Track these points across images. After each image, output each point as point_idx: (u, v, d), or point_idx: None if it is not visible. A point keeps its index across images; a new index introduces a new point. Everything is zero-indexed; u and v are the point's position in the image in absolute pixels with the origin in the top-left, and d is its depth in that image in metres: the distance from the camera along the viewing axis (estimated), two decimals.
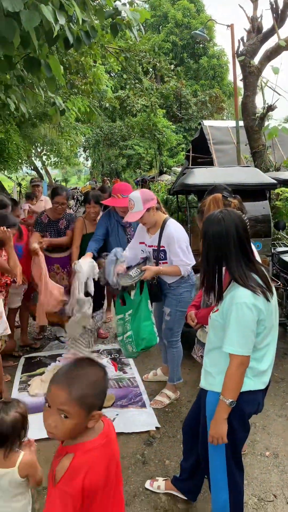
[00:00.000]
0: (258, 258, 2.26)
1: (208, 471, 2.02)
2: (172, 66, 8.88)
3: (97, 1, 3.88)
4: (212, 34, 27.22)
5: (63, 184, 41.41)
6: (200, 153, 10.69)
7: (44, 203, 6.97)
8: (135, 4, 6.58)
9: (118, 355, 4.34)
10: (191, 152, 10.49)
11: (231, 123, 10.43)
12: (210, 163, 9.63)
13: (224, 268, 1.89)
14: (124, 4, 6.57)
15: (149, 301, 3.23)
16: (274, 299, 1.90)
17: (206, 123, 10.18)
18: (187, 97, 20.57)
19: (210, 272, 1.85)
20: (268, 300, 1.80)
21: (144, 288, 3.21)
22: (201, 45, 26.78)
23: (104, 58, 8.10)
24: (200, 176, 4.03)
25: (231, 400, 1.80)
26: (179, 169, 12.23)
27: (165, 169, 18.77)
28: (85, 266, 3.61)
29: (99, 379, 1.33)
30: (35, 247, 4.17)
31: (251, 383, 1.86)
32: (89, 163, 33.71)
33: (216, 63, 27.04)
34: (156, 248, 3.26)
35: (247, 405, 1.88)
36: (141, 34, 4.92)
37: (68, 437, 1.30)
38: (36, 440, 2.41)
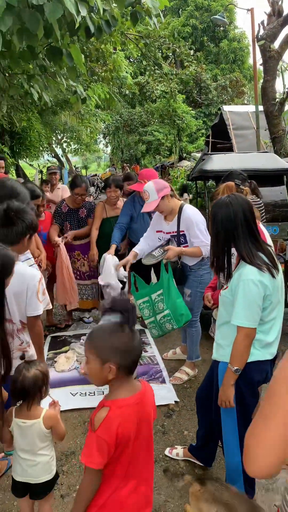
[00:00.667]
0: (269, 240, 2.39)
1: (221, 436, 2.19)
2: (192, 51, 8.86)
3: None
4: (233, 16, 26.69)
5: (83, 171, 41.62)
6: (220, 138, 10.67)
7: (61, 191, 6.73)
8: None
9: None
10: (210, 137, 10.48)
11: (252, 108, 10.35)
12: (230, 148, 9.62)
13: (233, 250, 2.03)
14: None
15: (173, 281, 3.37)
16: (280, 276, 2.03)
17: (226, 108, 10.14)
18: (207, 82, 20.38)
19: (219, 252, 1.99)
20: (273, 276, 1.94)
21: (169, 267, 3.35)
22: (221, 28, 26.34)
23: (123, 44, 8.17)
24: (217, 162, 4.12)
25: (236, 367, 1.97)
26: (198, 155, 12.22)
27: (184, 155, 18.75)
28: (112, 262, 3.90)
29: (120, 338, 1.48)
30: (56, 240, 4.38)
31: (259, 354, 2.02)
32: (109, 149, 33.79)
33: (237, 46, 26.54)
34: (175, 233, 3.40)
35: (255, 374, 2.03)
36: (160, 21, 4.97)
37: (95, 381, 1.52)
38: (62, 411, 2.64)
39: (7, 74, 5.06)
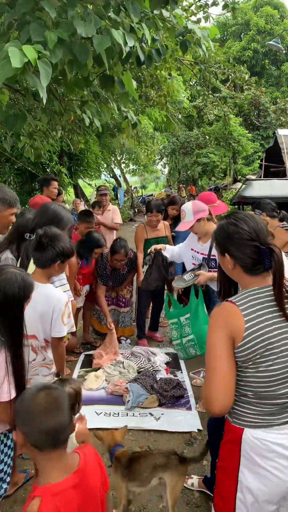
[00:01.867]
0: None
1: None
2: (247, 76, 8.88)
3: (169, 17, 4.07)
4: None
5: (141, 191, 42.34)
6: (275, 162, 10.51)
7: (112, 213, 6.66)
8: (211, 18, 6.79)
9: (170, 359, 4.50)
10: (263, 161, 10.35)
11: None
12: (284, 173, 9.44)
13: None
14: (198, 20, 6.80)
15: (204, 306, 3.37)
16: None
17: (281, 132, 9.99)
18: (266, 105, 20.21)
19: (225, 280, 1.97)
20: None
21: (199, 292, 3.36)
22: (283, 51, 26.16)
23: (179, 70, 8.37)
24: (257, 188, 4.09)
25: None
26: (253, 177, 12.07)
27: (239, 177, 18.58)
28: None
29: (26, 405, 1.31)
30: (111, 327, 4.63)
31: None
32: (166, 170, 34.24)
33: None
34: (206, 256, 3.40)
35: None
36: (210, 50, 5.08)
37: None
38: None
39: (65, 100, 5.35)
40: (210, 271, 3.38)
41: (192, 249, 3.64)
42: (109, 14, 3.58)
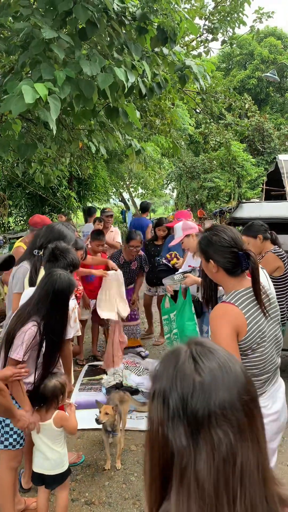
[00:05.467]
0: (266, 282, 2.60)
1: None
2: (247, 105, 9.34)
3: (168, 54, 4.44)
4: None
5: (151, 214, 42.88)
6: (276, 186, 10.86)
7: (114, 233, 7.03)
8: (215, 50, 7.23)
9: None
10: (264, 185, 10.71)
11: None
12: (283, 196, 9.79)
13: None
14: (199, 55, 7.24)
15: (193, 307, 3.65)
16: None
17: (281, 157, 10.37)
18: (269, 131, 20.75)
19: (207, 286, 2.25)
20: None
21: (188, 293, 3.66)
22: (287, 79, 26.95)
23: (182, 100, 8.84)
24: (247, 210, 4.38)
25: None
26: (257, 201, 12.41)
27: (243, 200, 18.91)
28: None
29: None
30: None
31: None
32: (175, 194, 34.75)
33: None
34: (199, 268, 3.72)
35: None
36: (207, 83, 5.46)
37: None
38: (86, 429, 2.98)
39: (73, 129, 5.76)
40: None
41: (189, 266, 3.96)
42: (113, 53, 3.99)
